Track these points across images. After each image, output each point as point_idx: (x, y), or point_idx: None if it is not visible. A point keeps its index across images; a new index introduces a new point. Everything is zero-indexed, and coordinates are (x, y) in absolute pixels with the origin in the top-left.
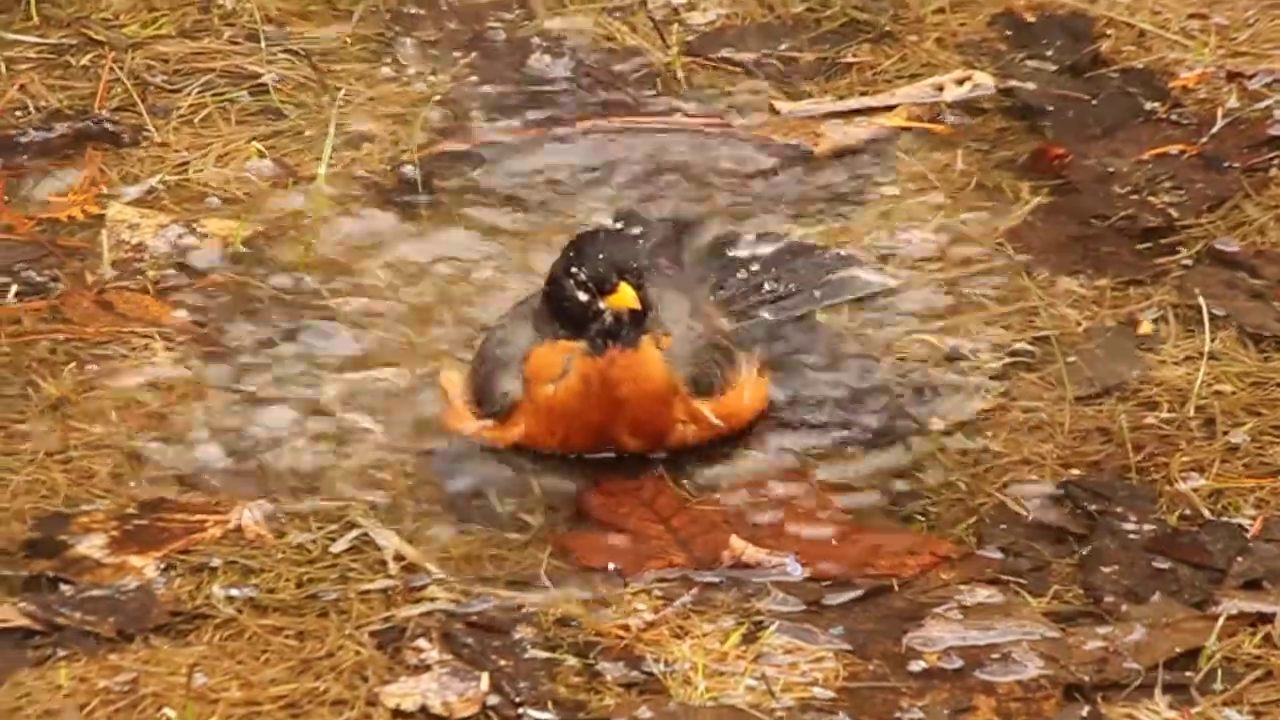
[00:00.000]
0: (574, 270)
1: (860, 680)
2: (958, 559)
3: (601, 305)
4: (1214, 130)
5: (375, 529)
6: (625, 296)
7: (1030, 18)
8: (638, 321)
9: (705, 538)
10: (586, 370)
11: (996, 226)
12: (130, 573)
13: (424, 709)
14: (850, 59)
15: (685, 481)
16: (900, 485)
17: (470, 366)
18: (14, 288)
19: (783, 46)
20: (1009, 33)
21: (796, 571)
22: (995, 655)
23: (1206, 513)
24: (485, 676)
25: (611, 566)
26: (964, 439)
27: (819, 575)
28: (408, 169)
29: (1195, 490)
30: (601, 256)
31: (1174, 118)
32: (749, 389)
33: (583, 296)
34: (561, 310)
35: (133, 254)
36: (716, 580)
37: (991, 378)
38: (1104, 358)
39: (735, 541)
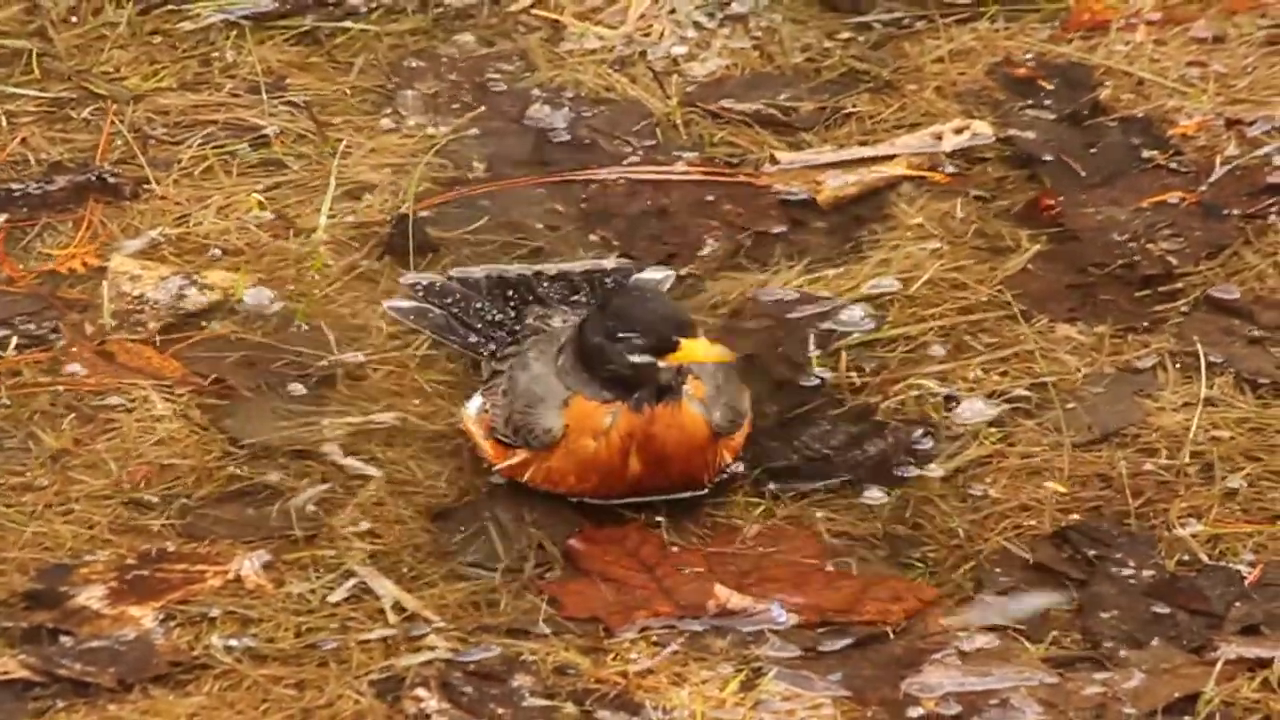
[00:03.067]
0: (624, 335)
1: None
2: (955, 604)
3: (661, 365)
4: (1213, 178)
5: (373, 577)
6: (703, 347)
7: (1029, 70)
8: (681, 378)
9: (690, 586)
10: (631, 429)
11: (995, 274)
12: (129, 623)
13: None
14: (850, 108)
15: (669, 528)
16: (899, 530)
17: (498, 400)
18: (14, 340)
19: (782, 96)
20: (1011, 91)
21: (782, 617)
22: (994, 701)
23: (1205, 558)
24: None
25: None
26: (963, 485)
27: (805, 622)
28: (407, 219)
29: (1193, 536)
30: (659, 316)
31: (1173, 165)
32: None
33: (639, 360)
34: (610, 375)
35: (133, 306)
36: (701, 630)
37: (990, 424)
38: (1102, 404)
39: (719, 589)
